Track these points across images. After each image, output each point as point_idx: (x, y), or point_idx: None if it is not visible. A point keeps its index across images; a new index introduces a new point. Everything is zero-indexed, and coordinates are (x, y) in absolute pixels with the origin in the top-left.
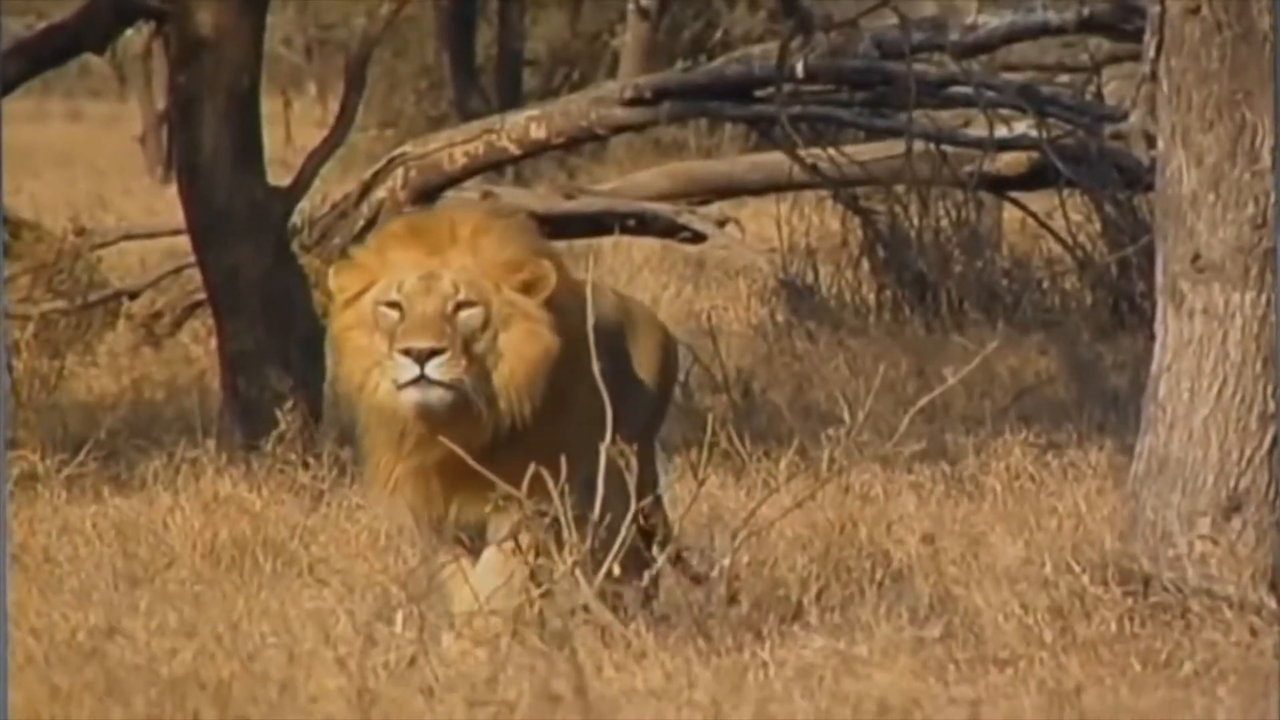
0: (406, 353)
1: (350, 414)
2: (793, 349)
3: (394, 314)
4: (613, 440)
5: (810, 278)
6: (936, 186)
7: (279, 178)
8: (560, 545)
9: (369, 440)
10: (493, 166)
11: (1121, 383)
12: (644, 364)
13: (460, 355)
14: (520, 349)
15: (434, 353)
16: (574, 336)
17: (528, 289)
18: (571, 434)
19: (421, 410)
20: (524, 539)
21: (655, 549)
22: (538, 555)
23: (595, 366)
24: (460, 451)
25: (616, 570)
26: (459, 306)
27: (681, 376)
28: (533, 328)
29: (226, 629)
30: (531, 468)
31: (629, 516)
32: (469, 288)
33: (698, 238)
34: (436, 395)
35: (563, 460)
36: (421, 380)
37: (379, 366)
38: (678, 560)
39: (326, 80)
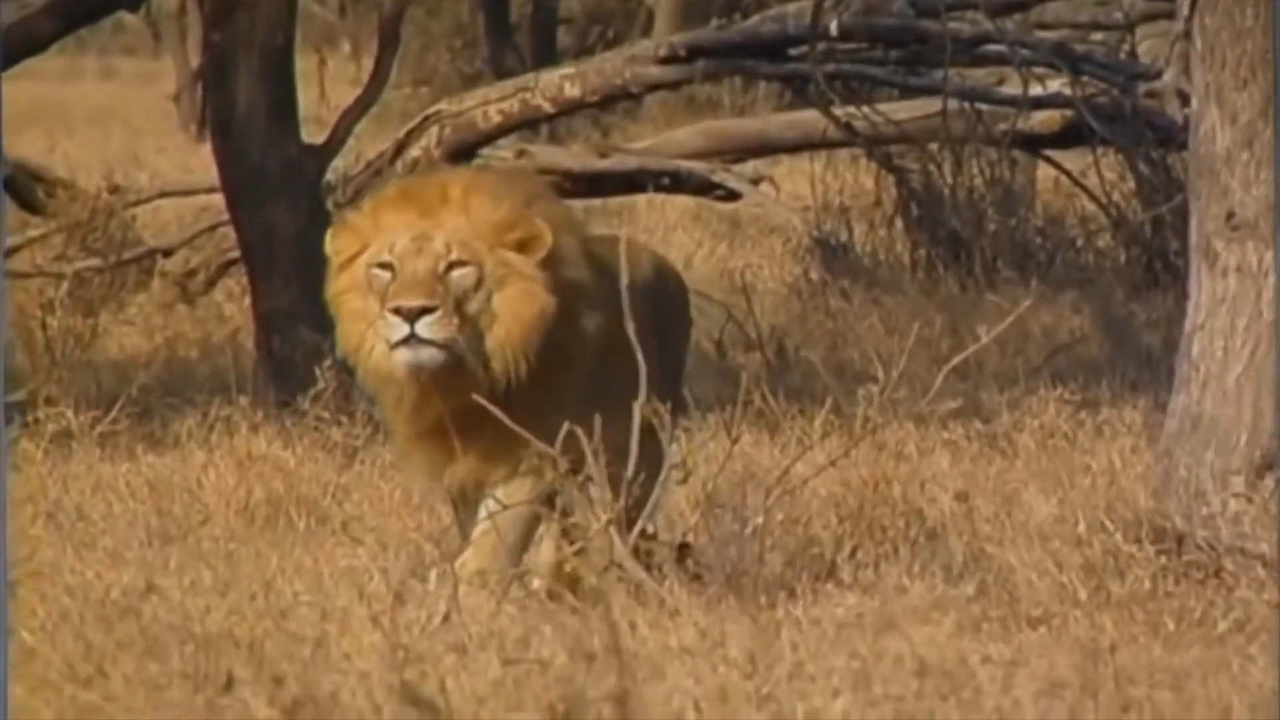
0: (397, 312)
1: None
2: (827, 307)
3: (386, 275)
4: (643, 398)
5: (844, 236)
6: (970, 145)
7: (313, 136)
8: (551, 508)
9: (381, 402)
10: (527, 124)
11: (1155, 341)
12: (674, 323)
13: (452, 314)
14: (515, 308)
15: (424, 311)
16: (579, 294)
17: (522, 248)
18: (576, 393)
19: (413, 370)
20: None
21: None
22: (566, 515)
23: (630, 327)
24: (489, 406)
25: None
26: (451, 266)
27: (715, 334)
28: (528, 287)
29: (260, 587)
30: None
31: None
32: (461, 248)
33: (732, 196)
34: (428, 354)
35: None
36: (412, 339)
37: (373, 328)
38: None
39: (361, 38)
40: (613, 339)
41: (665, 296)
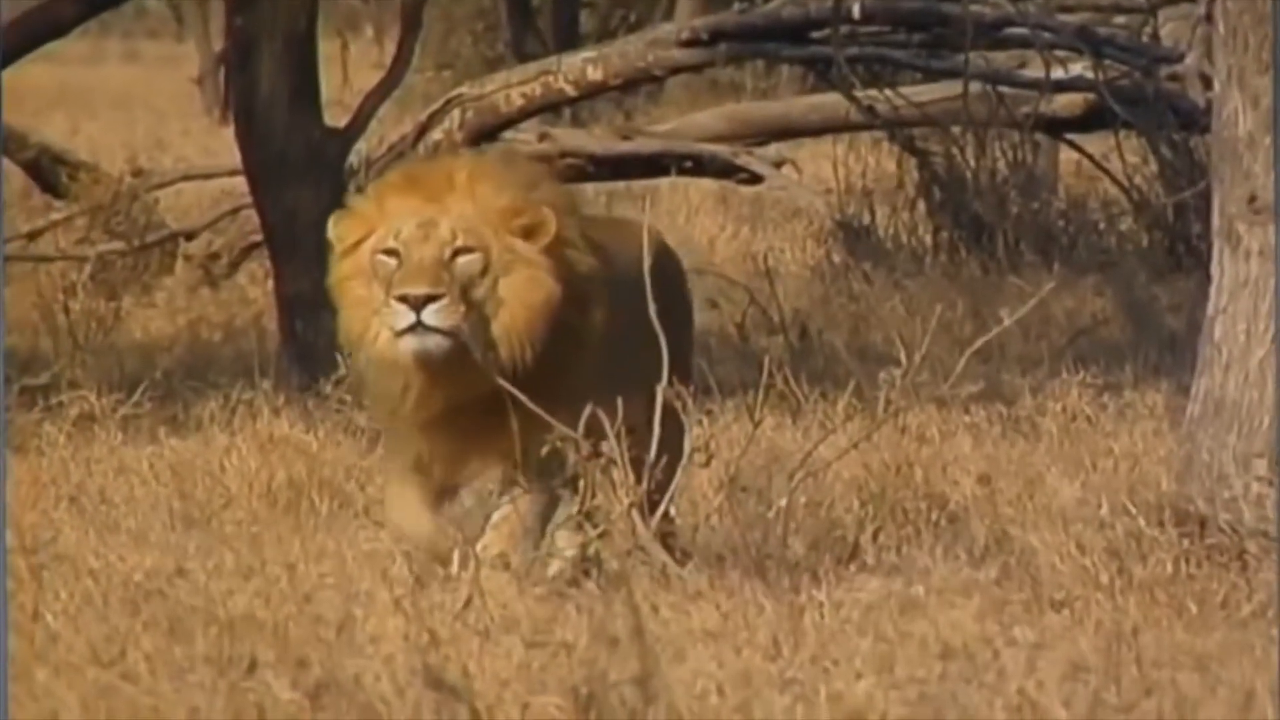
0: (403, 299)
1: (355, 365)
2: (849, 290)
3: (391, 261)
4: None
5: (867, 219)
6: (993, 128)
7: (336, 119)
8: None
9: (373, 392)
10: (549, 108)
11: (1177, 324)
12: (677, 305)
13: (458, 301)
14: (521, 295)
15: (430, 299)
16: (583, 279)
17: (528, 234)
18: (584, 379)
19: (420, 358)
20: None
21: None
22: (591, 497)
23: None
24: (511, 390)
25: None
26: (457, 253)
27: (738, 318)
28: (534, 274)
29: (283, 570)
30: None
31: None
32: (467, 234)
33: (754, 179)
34: (434, 342)
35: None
36: (418, 327)
37: (378, 316)
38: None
39: (383, 22)
40: (613, 323)
41: (663, 278)
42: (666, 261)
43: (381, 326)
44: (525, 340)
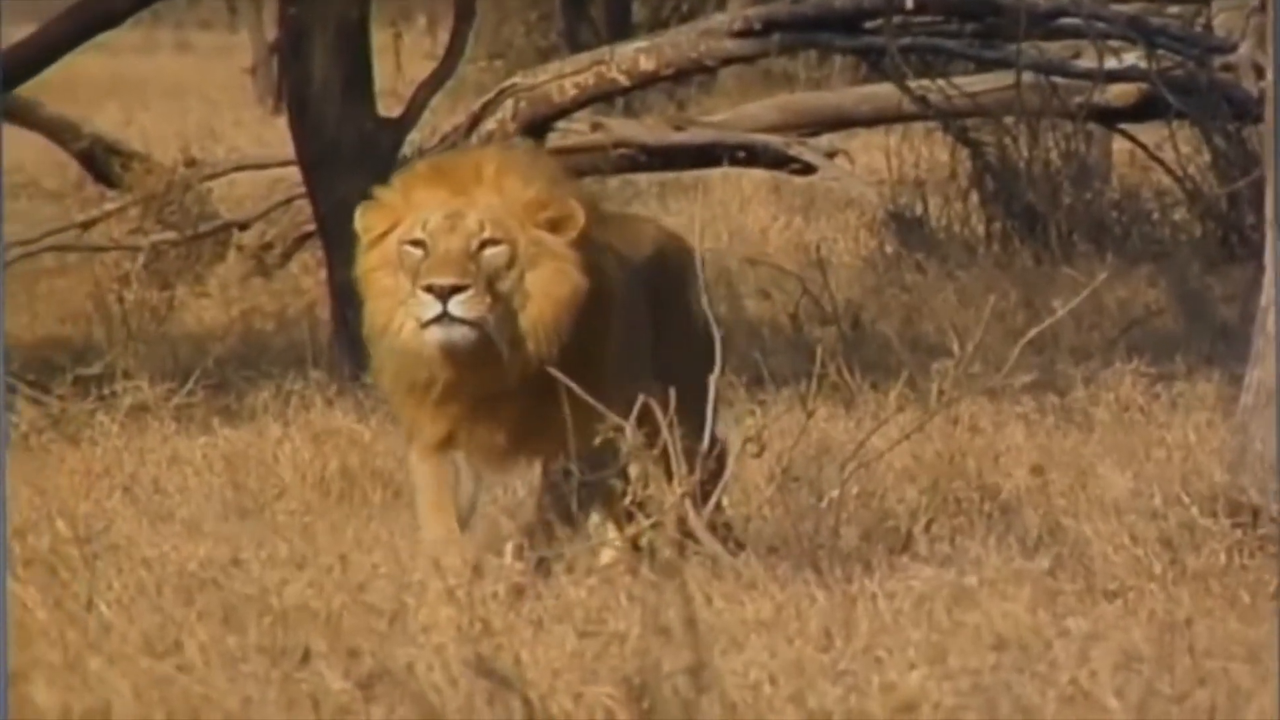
0: (429, 289)
1: (376, 355)
2: (902, 281)
3: (418, 252)
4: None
5: (919, 209)
6: (1046, 118)
7: (389, 109)
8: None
9: (389, 381)
10: (602, 98)
11: (1230, 314)
12: (694, 300)
13: (484, 293)
14: (547, 288)
15: (456, 289)
16: (606, 275)
17: (555, 228)
18: (607, 374)
19: (445, 349)
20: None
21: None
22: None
23: (705, 300)
24: (560, 377)
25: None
26: (484, 244)
27: (791, 308)
28: (560, 267)
29: (336, 560)
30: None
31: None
32: (494, 226)
33: (807, 169)
34: (460, 333)
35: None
36: (444, 318)
37: (403, 306)
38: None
39: (436, 12)
40: (630, 317)
41: (666, 274)
42: (678, 260)
43: (407, 317)
44: (550, 333)
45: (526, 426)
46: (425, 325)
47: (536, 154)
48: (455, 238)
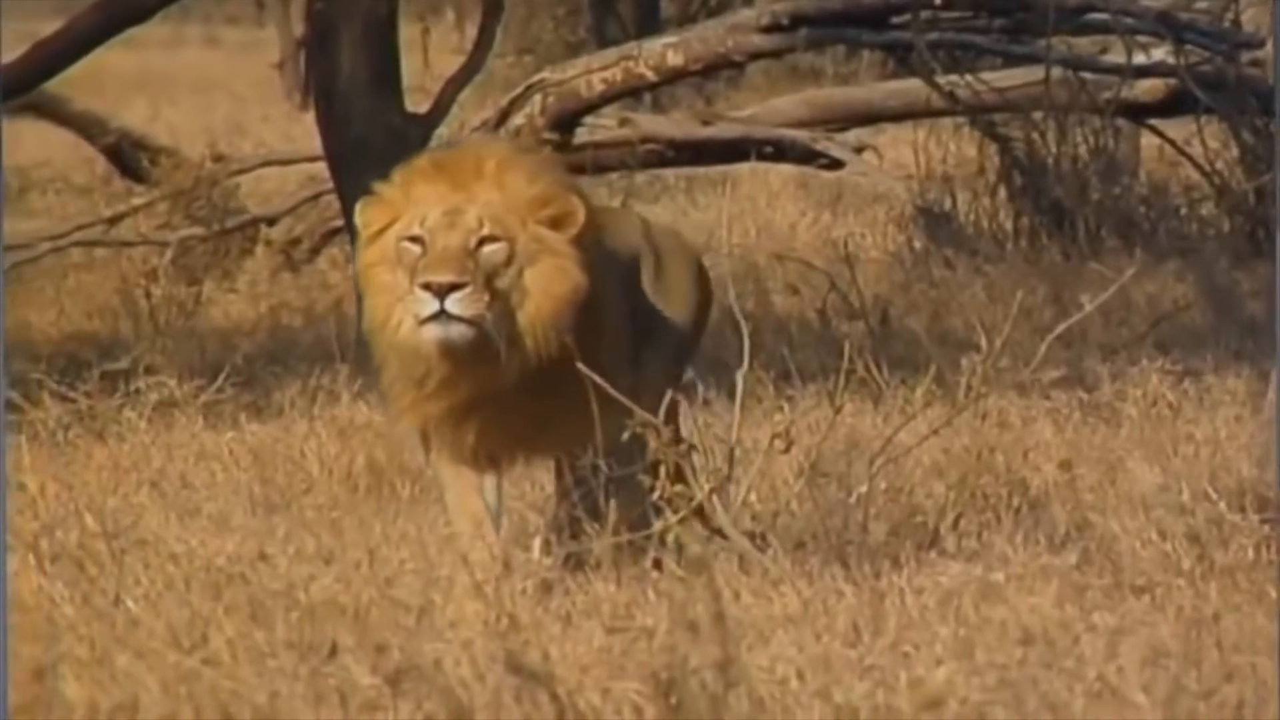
0: (426, 287)
1: (375, 351)
2: (930, 276)
3: (416, 249)
4: (638, 370)
5: (947, 205)
6: (1074, 113)
7: (417, 104)
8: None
9: (389, 376)
10: (630, 93)
11: (1259, 309)
12: (672, 291)
13: (482, 291)
14: (547, 286)
15: (454, 287)
16: (600, 271)
17: (555, 224)
18: (604, 369)
19: (443, 347)
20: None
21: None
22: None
23: (734, 296)
24: (588, 372)
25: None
26: (482, 241)
27: (818, 304)
28: (560, 264)
29: (364, 555)
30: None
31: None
32: (493, 223)
33: (835, 164)
34: (457, 331)
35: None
36: (442, 315)
37: (401, 303)
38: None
39: (464, 7)
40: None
41: (652, 265)
42: (695, 265)
43: (405, 314)
44: (549, 330)
45: (527, 423)
46: (423, 323)
47: (536, 149)
48: (454, 235)
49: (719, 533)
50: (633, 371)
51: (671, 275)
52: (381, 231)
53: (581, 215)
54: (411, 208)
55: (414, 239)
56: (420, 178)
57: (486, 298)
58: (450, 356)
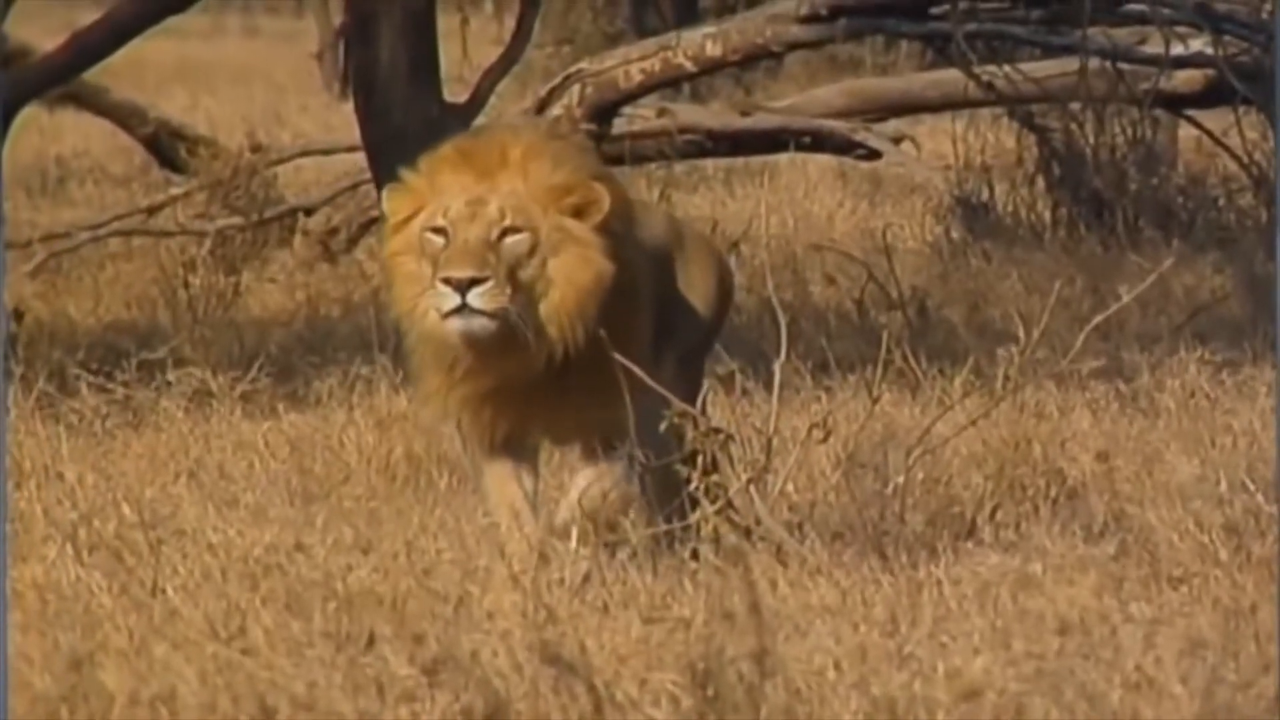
0: (447, 282)
1: (407, 339)
2: (968, 266)
3: (439, 240)
4: (659, 361)
5: (985, 195)
6: (1112, 104)
7: (455, 95)
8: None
9: (419, 361)
10: (669, 84)
11: None
12: (695, 286)
13: (504, 284)
14: (571, 275)
15: (475, 281)
16: (628, 259)
17: (579, 213)
18: (635, 359)
19: (467, 339)
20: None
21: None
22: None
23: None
24: (621, 359)
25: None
26: (505, 232)
27: (856, 294)
28: (584, 253)
29: (402, 545)
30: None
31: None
32: (516, 213)
33: (873, 155)
34: (480, 324)
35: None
36: (464, 309)
37: (426, 294)
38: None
39: None
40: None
41: (676, 260)
42: (716, 259)
43: (429, 306)
44: (575, 320)
45: (555, 409)
46: (446, 316)
47: (567, 137)
48: (475, 226)
49: (747, 531)
50: (655, 363)
51: (695, 272)
52: (407, 220)
53: (606, 203)
54: (436, 197)
55: (437, 230)
56: (445, 166)
57: (509, 290)
58: (474, 348)
